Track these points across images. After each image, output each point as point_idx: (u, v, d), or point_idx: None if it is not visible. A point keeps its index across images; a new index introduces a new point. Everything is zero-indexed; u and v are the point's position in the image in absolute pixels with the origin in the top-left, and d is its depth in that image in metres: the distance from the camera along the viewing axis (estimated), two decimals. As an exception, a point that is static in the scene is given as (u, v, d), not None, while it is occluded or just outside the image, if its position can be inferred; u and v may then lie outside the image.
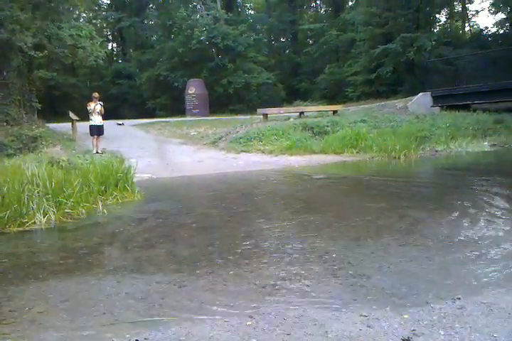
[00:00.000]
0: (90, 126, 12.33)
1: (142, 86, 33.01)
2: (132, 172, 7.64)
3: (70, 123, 14.56)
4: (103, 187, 6.97)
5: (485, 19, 59.30)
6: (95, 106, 12.25)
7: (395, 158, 11.50)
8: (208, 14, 29.95)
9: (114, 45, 42.51)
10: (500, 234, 4.50)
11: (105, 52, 28.76)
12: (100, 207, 6.31)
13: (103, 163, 7.79)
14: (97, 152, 11.82)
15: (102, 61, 21.51)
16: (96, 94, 12.51)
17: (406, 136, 12.47)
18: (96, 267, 3.95)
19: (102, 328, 2.73)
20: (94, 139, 12.14)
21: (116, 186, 7.15)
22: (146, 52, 35.06)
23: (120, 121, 16.14)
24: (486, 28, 32.00)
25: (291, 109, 20.14)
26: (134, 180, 7.71)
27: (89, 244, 4.75)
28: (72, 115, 14.05)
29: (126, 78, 34.85)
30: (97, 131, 12.23)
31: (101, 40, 23.05)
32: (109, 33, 41.68)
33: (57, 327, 2.78)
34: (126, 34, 38.63)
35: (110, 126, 13.84)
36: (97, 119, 12.29)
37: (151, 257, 4.17)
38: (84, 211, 6.12)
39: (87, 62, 18.85)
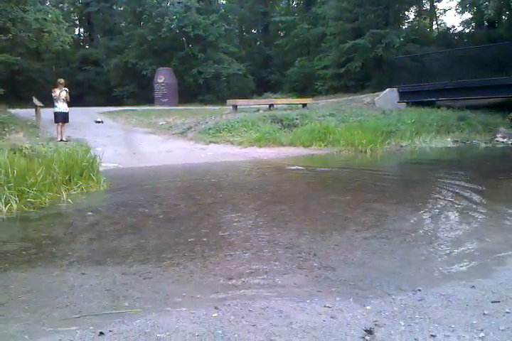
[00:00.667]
0: (55, 112, 12.02)
1: (110, 73, 32.31)
2: (98, 161, 7.49)
3: (34, 110, 14.12)
4: (67, 177, 6.83)
5: (452, 18, 60.57)
6: (60, 93, 11.93)
7: (361, 152, 11.71)
8: (179, 2, 29.45)
9: (82, 30, 41.36)
10: (461, 228, 4.66)
11: (72, 37, 27.89)
12: (64, 197, 6.18)
13: (68, 152, 7.61)
14: (62, 140, 11.54)
15: (68, 46, 20.95)
16: (61, 80, 12.17)
17: (373, 131, 12.70)
18: (59, 258, 3.87)
19: (66, 320, 2.69)
20: (59, 126, 11.82)
21: (81, 175, 7.00)
22: (114, 39, 34.29)
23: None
24: (453, 26, 32.84)
25: (261, 101, 20.14)
26: (100, 169, 7.58)
27: (52, 234, 4.65)
28: (35, 101, 13.62)
29: (93, 64, 34.02)
30: (62, 118, 11.92)
31: (68, 24, 22.39)
32: (76, 17, 40.50)
33: (19, 319, 2.72)
34: (94, 19, 37.62)
35: (75, 113, 13.47)
36: (62, 106, 11.98)
37: (116, 248, 4.12)
38: (47, 200, 5.98)
39: (52, 47, 18.33)
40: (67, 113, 12.14)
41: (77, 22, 40.74)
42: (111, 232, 4.65)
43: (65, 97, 11.99)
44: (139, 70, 29.38)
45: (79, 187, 6.79)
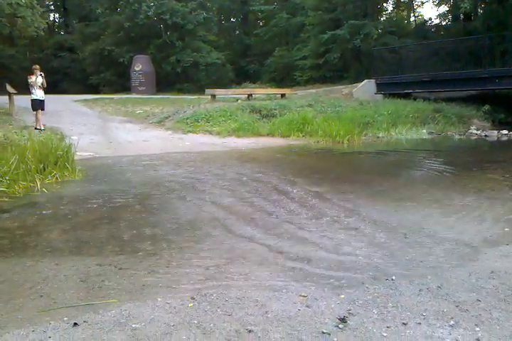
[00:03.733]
0: (32, 100, 11.74)
1: (85, 60, 31.66)
2: (73, 150, 7.37)
3: (7, 97, 13.77)
4: (42, 166, 6.70)
5: (429, 10, 61.13)
6: (36, 79, 11.66)
7: (339, 142, 11.78)
8: (156, -11, 28.96)
9: (57, 15, 40.38)
10: (435, 218, 4.75)
11: (47, 22, 27.25)
12: (38, 186, 6.07)
13: (42, 140, 7.46)
14: (38, 128, 11.31)
15: (42, 32, 20.41)
16: (37, 66, 11.86)
17: (350, 122, 12.78)
18: (33, 248, 3.82)
19: (39, 311, 2.66)
20: (39, 114, 11.59)
21: (56, 164, 6.88)
22: (90, 25, 33.53)
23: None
24: (430, 19, 33.05)
25: (239, 90, 20.06)
26: (75, 158, 7.46)
27: (26, 224, 4.57)
28: (9, 88, 13.28)
29: (68, 51, 33.28)
30: (39, 105, 11.67)
31: (42, 10, 21.78)
32: (51, 2, 39.41)
33: (-10, 310, 2.68)
34: (70, 5, 36.75)
35: (50, 101, 13.17)
36: (38, 93, 11.71)
37: (91, 238, 4.08)
38: (21, 190, 5.88)
39: (26, 32, 17.82)
40: (44, 100, 11.87)
41: (52, 7, 39.69)
42: (86, 222, 4.60)
43: (42, 84, 11.72)
44: (116, 58, 28.89)
45: (53, 176, 6.68)
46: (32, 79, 11.70)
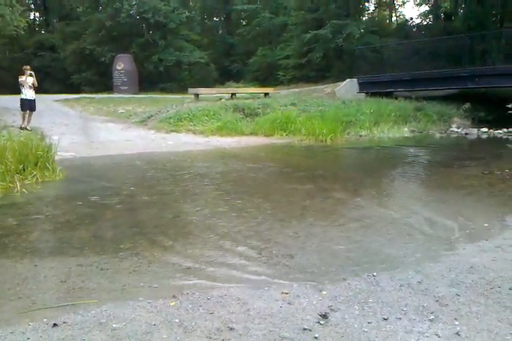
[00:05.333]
0: (21, 99, 11.60)
1: (66, 59, 31.21)
2: (54, 150, 7.27)
3: (-14, 97, 13.54)
4: (21, 166, 6.58)
5: (410, 10, 61.63)
6: (27, 79, 11.52)
7: (322, 141, 11.83)
8: (138, -13, 28.72)
9: (37, 14, 39.69)
10: (418, 215, 4.80)
11: (27, 21, 26.74)
12: (18, 187, 5.97)
13: (22, 140, 7.34)
14: (26, 128, 11.19)
15: (22, 31, 20.07)
16: (27, 67, 11.76)
17: (333, 121, 12.84)
18: (12, 249, 3.75)
19: (18, 313, 2.62)
20: (26, 114, 11.46)
21: (36, 165, 6.77)
22: (71, 24, 33.04)
23: None
24: (411, 18, 33.39)
25: (222, 89, 19.99)
26: (56, 158, 7.35)
27: (4, 224, 4.49)
28: (-13, 87, 13.07)
29: (49, 50, 32.75)
30: (29, 105, 11.53)
31: (22, 8, 21.42)
32: (31, 1, 38.78)
33: (-33, 312, 2.63)
34: (50, 3, 36.19)
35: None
36: (28, 93, 11.56)
37: (72, 239, 4.02)
38: (0, 190, 5.78)
39: (6, 31, 17.49)
40: (34, 100, 11.72)
41: (33, 6, 39.03)
42: (66, 223, 4.54)
43: (33, 83, 11.59)
44: (97, 57, 28.55)
45: (33, 176, 6.58)
46: (22, 78, 11.57)
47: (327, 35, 23.71)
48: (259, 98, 17.19)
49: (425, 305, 2.71)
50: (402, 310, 2.66)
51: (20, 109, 11.72)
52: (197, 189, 6.22)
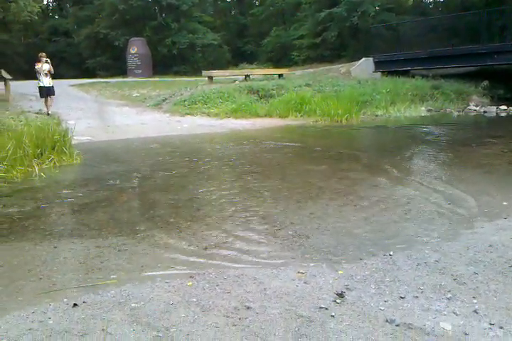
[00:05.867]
0: (39, 87, 11.69)
1: (81, 44, 31.30)
2: (70, 134, 7.33)
3: (3, 83, 13.64)
4: (39, 150, 6.66)
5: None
6: (43, 66, 11.57)
7: (337, 121, 11.72)
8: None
9: (50, -1, 39.69)
10: (436, 194, 4.75)
11: (40, 7, 26.79)
12: (37, 171, 6.05)
13: (39, 125, 7.42)
14: (48, 113, 11.35)
15: (36, 17, 20.10)
16: (43, 54, 11.78)
17: (348, 101, 12.69)
18: (32, 232, 3.82)
19: (39, 294, 2.68)
20: (47, 101, 11.61)
21: (54, 149, 6.85)
22: (84, 8, 33.02)
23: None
24: (428, -6, 32.47)
25: (236, 71, 19.86)
26: (73, 142, 7.42)
27: (24, 208, 4.57)
28: (4, 73, 13.13)
29: (63, 35, 32.87)
30: (46, 92, 11.62)
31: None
32: (43, -14, 38.72)
33: (-10, 293, 2.70)
34: (62, -12, 36.11)
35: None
36: (45, 81, 11.61)
37: (90, 221, 4.08)
38: (19, 175, 5.87)
39: (20, 17, 17.51)
40: (52, 87, 11.78)
41: (45, -10, 39.00)
42: (84, 205, 4.60)
43: (49, 70, 11.64)
44: (111, 41, 28.56)
45: (51, 161, 6.66)
46: (38, 66, 11.61)
47: (342, 14, 23.27)
48: (273, 79, 17.05)
49: (443, 283, 2.69)
50: (419, 288, 2.64)
51: (39, 96, 11.82)
52: (212, 171, 6.24)
